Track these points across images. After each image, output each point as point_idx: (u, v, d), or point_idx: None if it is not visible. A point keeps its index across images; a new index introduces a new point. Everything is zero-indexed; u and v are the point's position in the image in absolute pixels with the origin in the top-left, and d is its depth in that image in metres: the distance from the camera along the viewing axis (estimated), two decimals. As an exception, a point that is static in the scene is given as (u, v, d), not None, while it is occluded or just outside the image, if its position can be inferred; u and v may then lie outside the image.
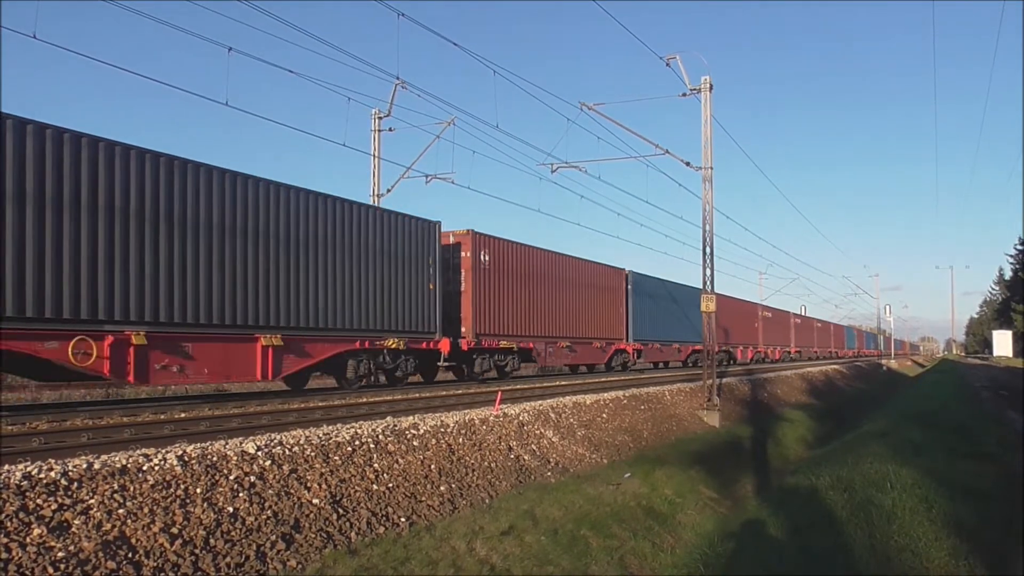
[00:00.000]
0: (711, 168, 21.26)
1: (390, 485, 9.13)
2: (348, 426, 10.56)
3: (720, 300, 26.37)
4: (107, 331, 11.85)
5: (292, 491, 8.02)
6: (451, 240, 21.10)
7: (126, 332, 12.10)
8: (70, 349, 11.29)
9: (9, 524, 5.84)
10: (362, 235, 17.16)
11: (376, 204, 24.87)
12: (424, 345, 19.11)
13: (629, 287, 30.83)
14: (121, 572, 5.88)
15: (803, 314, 64.89)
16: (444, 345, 19.53)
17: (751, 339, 47.70)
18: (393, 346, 17.90)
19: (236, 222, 14.08)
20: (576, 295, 26.75)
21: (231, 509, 7.23)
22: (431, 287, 19.28)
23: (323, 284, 16.02)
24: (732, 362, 42.13)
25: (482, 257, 21.58)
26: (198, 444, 8.41)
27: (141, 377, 12.32)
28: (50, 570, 5.57)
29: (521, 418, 13.59)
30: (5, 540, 5.67)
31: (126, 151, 12.27)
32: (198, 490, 7.26)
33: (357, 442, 9.71)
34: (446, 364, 20.25)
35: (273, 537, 7.12)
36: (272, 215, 14.92)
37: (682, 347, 36.15)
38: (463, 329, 20.67)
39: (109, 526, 6.29)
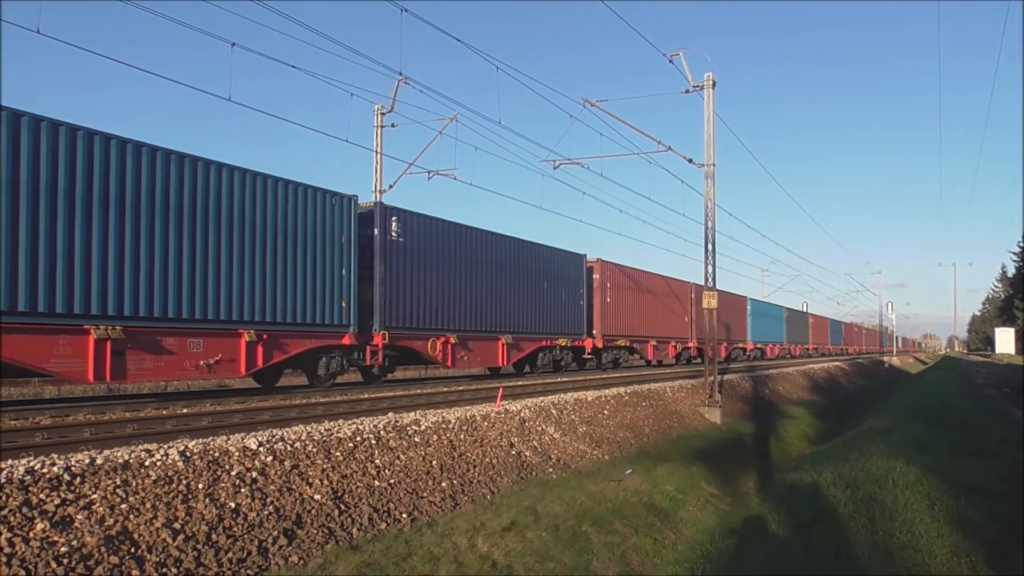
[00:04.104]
0: (713, 165, 21.21)
1: (392, 481, 9.14)
2: (350, 422, 10.57)
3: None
4: None
5: (294, 487, 8.03)
6: None
7: None
8: None
9: (13, 519, 5.85)
10: None
11: (379, 200, 24.76)
12: None
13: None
14: (124, 567, 5.89)
15: (861, 324, 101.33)
16: None
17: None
18: None
19: None
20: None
21: (233, 504, 7.24)
22: None
23: None
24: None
25: None
26: (200, 439, 8.43)
27: None
28: (53, 564, 5.58)
29: (523, 414, 13.59)
30: (9, 535, 5.68)
31: None
32: (200, 485, 7.27)
33: (359, 438, 9.72)
34: None
35: (275, 532, 7.13)
36: None
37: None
38: None
39: (112, 521, 6.30)
